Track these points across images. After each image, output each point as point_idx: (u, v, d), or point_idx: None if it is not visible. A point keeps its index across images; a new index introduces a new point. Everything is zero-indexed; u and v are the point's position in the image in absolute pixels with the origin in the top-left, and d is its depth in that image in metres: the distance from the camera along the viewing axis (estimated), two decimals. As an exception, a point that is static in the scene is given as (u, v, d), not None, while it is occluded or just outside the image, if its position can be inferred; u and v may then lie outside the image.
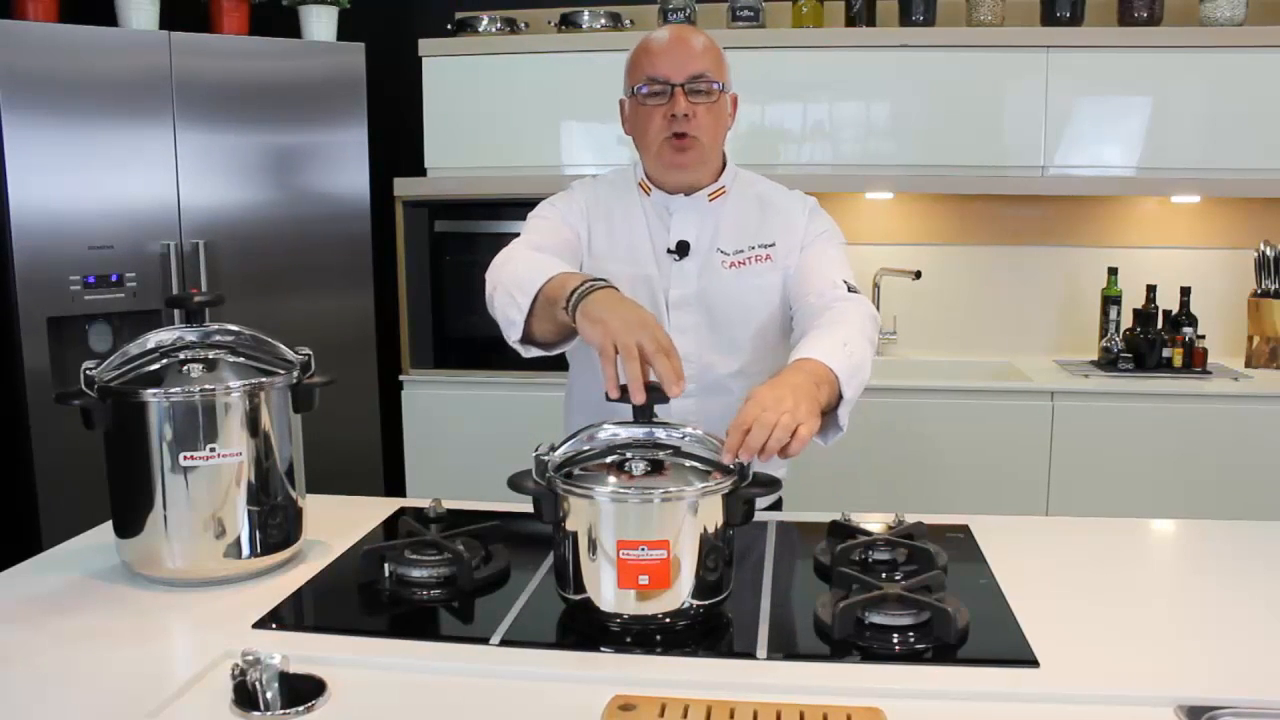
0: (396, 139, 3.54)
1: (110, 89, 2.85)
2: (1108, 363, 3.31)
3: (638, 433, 1.36)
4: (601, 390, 1.77)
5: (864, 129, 3.36)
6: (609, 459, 1.32)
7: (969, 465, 3.14)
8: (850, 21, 3.38)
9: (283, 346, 1.58)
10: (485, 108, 3.42)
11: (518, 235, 1.83)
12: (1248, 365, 3.33)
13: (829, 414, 1.51)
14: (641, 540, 1.27)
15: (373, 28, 3.42)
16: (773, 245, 1.81)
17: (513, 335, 1.61)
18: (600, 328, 1.39)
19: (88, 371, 1.46)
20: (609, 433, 1.37)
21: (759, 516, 1.50)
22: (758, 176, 1.91)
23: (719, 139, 1.79)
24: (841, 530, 1.61)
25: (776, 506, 1.88)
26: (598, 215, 1.84)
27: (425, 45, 3.43)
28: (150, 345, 1.50)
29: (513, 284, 1.58)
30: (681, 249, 1.78)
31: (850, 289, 1.73)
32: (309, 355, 1.58)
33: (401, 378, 3.46)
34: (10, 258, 2.77)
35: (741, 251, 1.80)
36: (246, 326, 1.57)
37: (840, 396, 1.51)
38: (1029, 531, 1.79)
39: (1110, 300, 3.43)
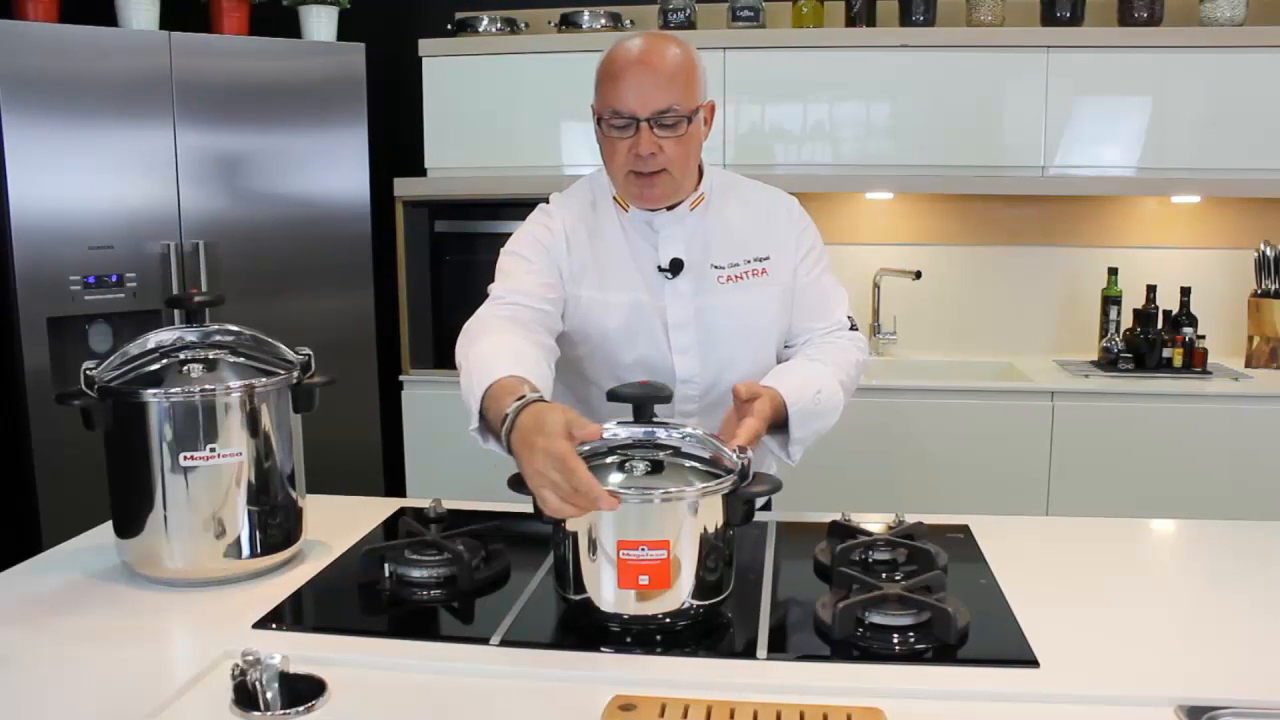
0: (396, 139, 3.54)
1: (110, 89, 2.85)
2: (1108, 363, 3.31)
3: (638, 432, 1.36)
4: (582, 400, 1.80)
5: (864, 129, 3.36)
6: (609, 459, 1.32)
7: (969, 465, 3.14)
8: (850, 21, 3.38)
9: (283, 346, 1.58)
10: (485, 108, 3.42)
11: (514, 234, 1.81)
12: (1248, 365, 3.33)
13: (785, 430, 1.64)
14: (642, 540, 1.27)
15: (373, 28, 3.42)
16: (767, 259, 1.76)
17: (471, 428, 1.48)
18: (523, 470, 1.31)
19: (88, 371, 1.46)
20: (609, 433, 1.37)
21: (757, 516, 1.50)
22: (736, 177, 1.86)
23: (690, 163, 1.70)
24: (841, 530, 1.61)
25: (765, 506, 1.88)
26: (577, 239, 1.75)
27: (425, 45, 3.43)
28: (150, 345, 1.50)
29: (465, 389, 1.47)
30: (675, 267, 1.72)
31: (852, 325, 1.83)
32: (309, 355, 1.58)
33: (401, 378, 3.46)
34: (10, 258, 2.77)
35: (737, 265, 1.75)
36: (246, 326, 1.57)
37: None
38: (1029, 531, 1.79)
39: (1110, 300, 3.43)
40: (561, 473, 1.22)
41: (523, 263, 1.72)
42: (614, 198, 1.76)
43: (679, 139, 1.63)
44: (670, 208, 1.73)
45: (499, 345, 1.51)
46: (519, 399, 1.33)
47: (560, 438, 1.24)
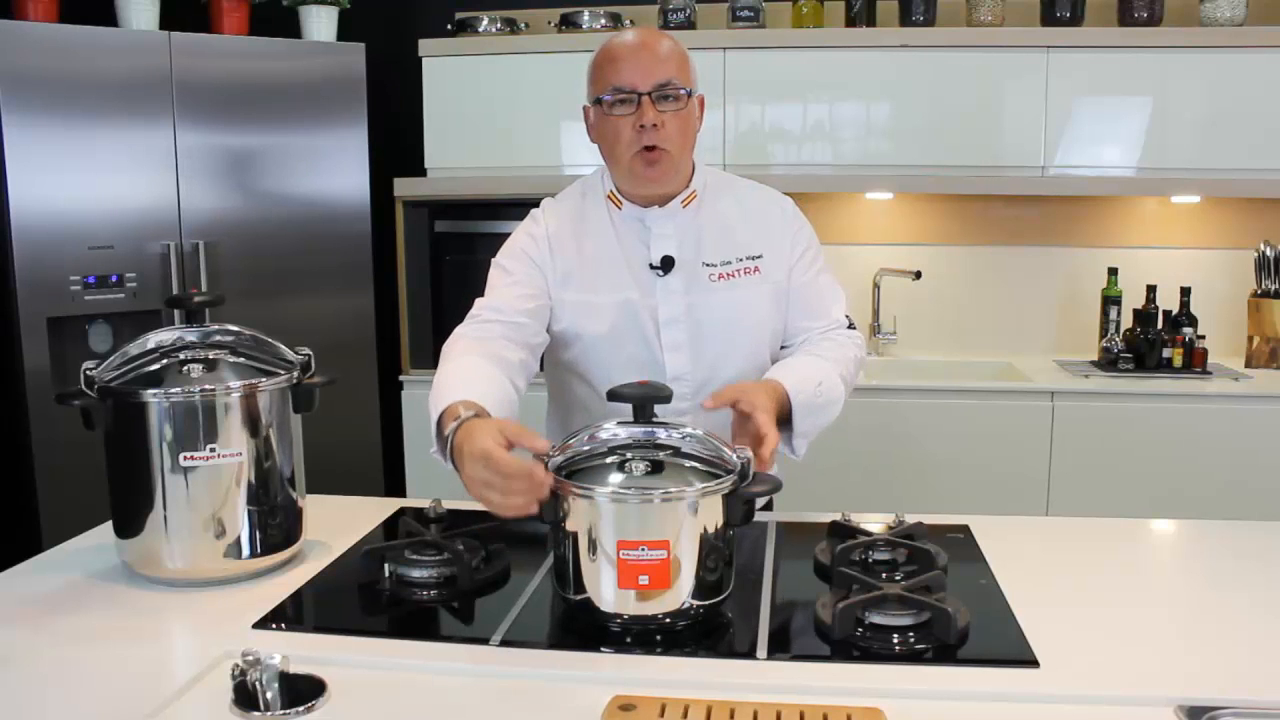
0: (396, 139, 3.54)
1: (110, 89, 2.85)
2: (1108, 363, 3.31)
3: (638, 433, 1.36)
4: (574, 409, 1.82)
5: (864, 129, 3.36)
6: (609, 459, 1.32)
7: (969, 465, 3.14)
8: (850, 21, 3.38)
9: (283, 346, 1.58)
10: (485, 108, 3.42)
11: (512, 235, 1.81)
12: (1248, 365, 3.33)
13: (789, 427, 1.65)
14: (641, 540, 1.27)
15: (373, 28, 3.42)
16: (760, 257, 1.77)
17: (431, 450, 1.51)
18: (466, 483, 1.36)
19: (88, 371, 1.46)
20: (609, 433, 1.37)
21: (757, 516, 1.50)
22: (731, 176, 1.87)
23: (688, 147, 1.73)
24: (841, 530, 1.61)
25: (767, 506, 1.88)
26: (566, 240, 1.76)
27: (425, 45, 3.43)
28: (150, 345, 1.50)
29: (430, 400, 1.51)
30: (666, 264, 1.73)
31: (850, 324, 1.84)
32: (309, 355, 1.58)
33: (401, 378, 3.46)
34: (10, 258, 2.77)
35: (729, 263, 1.76)
36: (246, 327, 1.57)
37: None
38: (1029, 531, 1.79)
39: (1110, 300, 3.43)
40: (488, 466, 1.27)
41: (503, 275, 1.76)
42: (607, 196, 1.78)
43: (678, 114, 1.67)
44: (662, 204, 1.75)
45: (455, 370, 1.56)
46: (456, 419, 1.38)
47: (487, 439, 1.29)
